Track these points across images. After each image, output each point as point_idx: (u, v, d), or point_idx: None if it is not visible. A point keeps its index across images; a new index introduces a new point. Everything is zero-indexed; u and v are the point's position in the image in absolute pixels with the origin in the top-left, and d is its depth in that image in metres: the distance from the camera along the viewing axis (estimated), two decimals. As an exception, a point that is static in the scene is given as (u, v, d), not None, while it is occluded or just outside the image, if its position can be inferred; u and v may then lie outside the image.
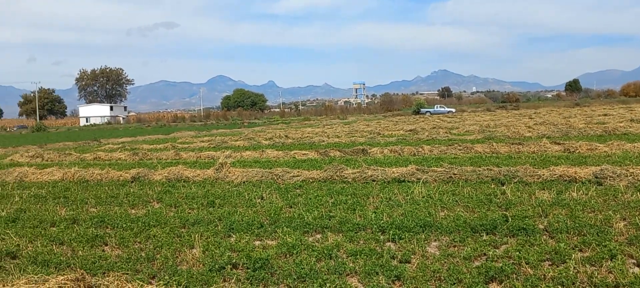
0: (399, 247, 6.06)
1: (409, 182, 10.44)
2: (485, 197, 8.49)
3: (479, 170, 10.76)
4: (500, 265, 5.17)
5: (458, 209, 7.80)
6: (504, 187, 9.27)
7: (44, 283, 4.42)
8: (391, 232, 6.56)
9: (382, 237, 6.44)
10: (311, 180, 11.30)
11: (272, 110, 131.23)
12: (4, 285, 4.64)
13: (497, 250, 5.79)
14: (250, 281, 5.06)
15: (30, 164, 17.95)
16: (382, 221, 7.10)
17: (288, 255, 5.85)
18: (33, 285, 4.43)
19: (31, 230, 7.62)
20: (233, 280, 4.95)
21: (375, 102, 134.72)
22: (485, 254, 5.68)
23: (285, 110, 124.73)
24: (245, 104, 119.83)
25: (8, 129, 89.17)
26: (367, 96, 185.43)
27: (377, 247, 6.01)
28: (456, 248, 5.97)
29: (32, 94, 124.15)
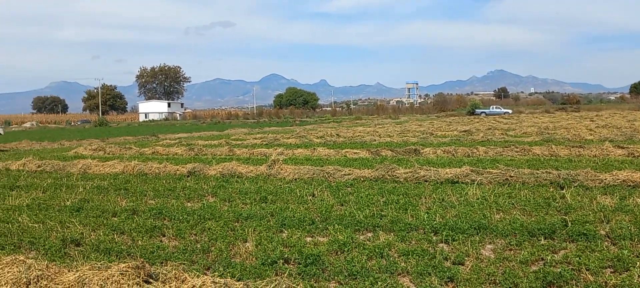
0: (452, 249, 5.96)
1: (462, 183, 10.24)
2: (544, 201, 8.22)
3: (537, 173, 10.43)
4: (559, 270, 4.99)
5: (514, 212, 7.59)
6: (564, 191, 8.94)
7: (107, 270, 4.62)
8: (444, 233, 6.46)
9: (434, 238, 6.36)
10: (362, 179, 11.28)
11: (323, 108, 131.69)
12: (69, 271, 4.88)
13: (555, 255, 5.60)
14: (302, 276, 5.11)
15: (93, 157, 18.79)
16: (435, 222, 7.00)
17: (339, 252, 5.87)
18: (96, 271, 4.64)
19: (94, 220, 7.98)
20: (285, 275, 5.01)
21: (428, 102, 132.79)
22: (542, 259, 5.50)
23: (337, 109, 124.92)
24: (297, 103, 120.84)
25: (73, 123, 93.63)
26: (420, 96, 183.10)
27: (430, 248, 5.93)
28: (512, 251, 5.81)
29: (95, 90, 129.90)
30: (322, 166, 12.95)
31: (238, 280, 4.63)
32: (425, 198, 8.82)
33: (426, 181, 10.64)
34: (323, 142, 23.62)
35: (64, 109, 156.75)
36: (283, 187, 10.65)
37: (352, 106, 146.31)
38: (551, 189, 9.33)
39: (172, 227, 7.34)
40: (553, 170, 10.71)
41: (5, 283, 4.70)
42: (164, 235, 7.01)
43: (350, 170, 12.15)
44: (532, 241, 6.12)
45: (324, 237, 6.64)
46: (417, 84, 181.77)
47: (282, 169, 12.61)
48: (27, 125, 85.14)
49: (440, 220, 7.12)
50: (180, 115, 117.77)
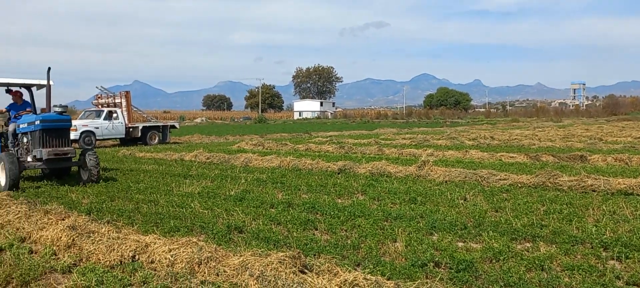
0: (625, 267, 5.34)
1: (638, 195, 9.12)
2: None
3: None
4: None
5: None
6: None
7: (267, 257, 4.94)
8: (616, 249, 5.81)
9: (604, 254, 5.75)
10: (519, 185, 10.61)
11: (476, 110, 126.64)
12: (233, 255, 5.32)
13: None
14: (454, 282, 4.96)
15: (253, 151, 20.23)
16: (605, 236, 6.32)
17: (494, 261, 5.59)
18: (257, 257, 4.99)
19: (254, 210, 8.56)
20: (437, 279, 4.90)
21: (597, 104, 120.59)
22: None
23: (491, 110, 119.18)
24: (448, 103, 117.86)
25: (236, 120, 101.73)
26: (587, 97, 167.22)
27: (599, 264, 5.37)
28: (703, 278, 5.03)
29: (256, 89, 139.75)
30: (474, 169, 12.46)
31: (388, 279, 4.63)
32: (593, 209, 8.02)
33: (594, 191, 9.67)
34: (476, 144, 22.69)
35: (229, 106, 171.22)
36: (433, 188, 10.45)
37: (508, 107, 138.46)
38: None
39: (323, 221, 7.60)
40: None
41: (181, 261, 5.28)
42: (316, 229, 7.29)
43: (506, 174, 11.50)
44: None
45: (477, 243, 6.38)
46: (583, 84, 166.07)
47: (432, 170, 12.38)
48: (198, 120, 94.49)
49: (611, 234, 6.42)
50: (331, 114, 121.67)
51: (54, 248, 6.27)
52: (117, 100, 29.21)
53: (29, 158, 11.73)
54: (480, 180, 11.20)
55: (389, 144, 24.03)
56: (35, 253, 6.31)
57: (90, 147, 11.96)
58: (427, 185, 10.93)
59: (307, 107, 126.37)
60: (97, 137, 26.34)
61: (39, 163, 11.61)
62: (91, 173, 11.97)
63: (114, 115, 27.42)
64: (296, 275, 4.62)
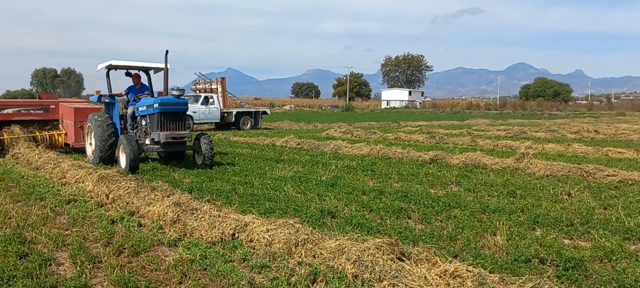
0: None
1: None
2: None
3: None
4: None
5: None
6: None
7: (363, 242, 4.92)
8: None
9: None
10: (630, 182, 9.83)
11: (577, 102, 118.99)
12: (329, 238, 5.35)
13: None
14: (562, 280, 4.66)
15: (342, 138, 20.30)
16: None
17: (605, 260, 5.20)
18: (354, 242, 4.99)
19: (346, 196, 8.57)
20: (545, 276, 4.63)
21: None
22: None
23: (594, 102, 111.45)
24: (546, 94, 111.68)
25: (323, 107, 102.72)
26: None
27: None
28: None
29: (344, 78, 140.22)
30: (578, 164, 11.69)
31: (491, 273, 4.45)
32: None
33: None
34: (578, 137, 21.33)
35: (317, 94, 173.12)
36: (533, 182, 9.93)
37: (613, 100, 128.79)
38: None
39: (417, 210, 7.45)
40: None
41: (278, 241, 5.40)
42: (409, 218, 7.16)
43: (614, 170, 10.69)
44: None
45: (585, 241, 5.97)
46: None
47: (531, 163, 11.76)
48: (287, 107, 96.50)
49: None
50: (420, 103, 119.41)
51: (161, 222, 6.66)
52: (213, 86, 30.44)
53: (147, 141, 11.91)
54: (585, 175, 10.50)
55: (482, 135, 23.17)
56: (144, 226, 6.73)
57: (193, 131, 12.36)
58: (527, 179, 10.41)
59: (395, 96, 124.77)
60: (195, 121, 27.61)
61: (157, 146, 11.69)
62: (205, 158, 11.92)
63: (211, 100, 28.62)
64: (394, 262, 4.56)
